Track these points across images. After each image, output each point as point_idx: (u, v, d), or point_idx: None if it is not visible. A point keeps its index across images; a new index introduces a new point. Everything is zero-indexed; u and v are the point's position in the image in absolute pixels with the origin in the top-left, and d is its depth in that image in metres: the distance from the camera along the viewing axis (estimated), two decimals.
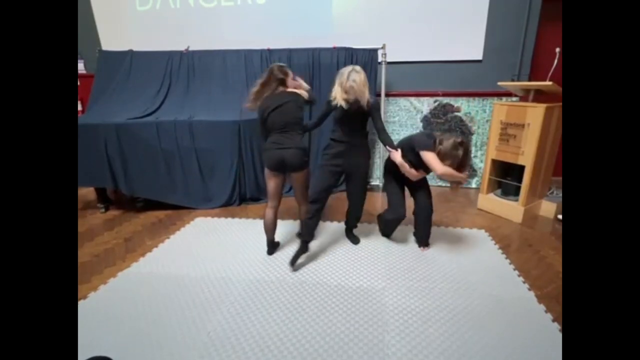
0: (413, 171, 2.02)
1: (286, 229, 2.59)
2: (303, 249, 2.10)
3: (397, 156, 2.04)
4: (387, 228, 2.39)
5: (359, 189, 2.20)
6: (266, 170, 2.10)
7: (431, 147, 1.93)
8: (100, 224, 2.81)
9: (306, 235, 2.11)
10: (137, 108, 3.17)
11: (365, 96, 1.94)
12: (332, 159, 2.09)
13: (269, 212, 2.16)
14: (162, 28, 3.75)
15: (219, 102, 3.27)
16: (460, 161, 1.90)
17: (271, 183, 2.10)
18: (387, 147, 2.09)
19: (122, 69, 3.44)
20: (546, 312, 1.69)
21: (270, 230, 2.22)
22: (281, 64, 2.15)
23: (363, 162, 2.14)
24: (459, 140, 1.90)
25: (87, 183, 2.93)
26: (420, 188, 2.19)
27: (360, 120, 2.06)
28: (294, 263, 2.05)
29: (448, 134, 1.96)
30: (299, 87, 2.16)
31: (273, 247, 2.29)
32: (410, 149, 2.02)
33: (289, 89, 2.10)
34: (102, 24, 3.90)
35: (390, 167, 2.18)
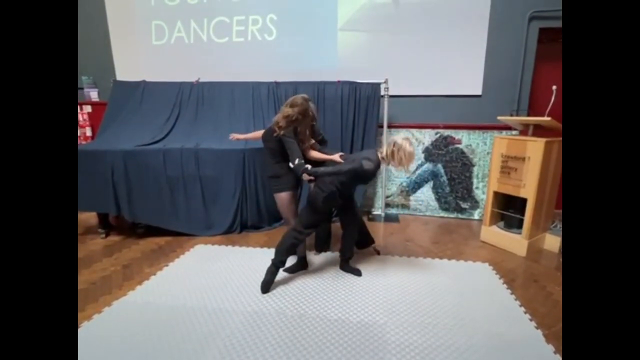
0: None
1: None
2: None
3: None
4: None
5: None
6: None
7: None
8: (100, 249, 2.80)
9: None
10: (146, 135, 3.25)
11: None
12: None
13: None
14: (175, 61, 3.94)
15: (225, 131, 3.34)
16: None
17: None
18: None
19: (134, 98, 3.57)
20: (555, 353, 1.61)
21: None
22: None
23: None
24: None
25: (91, 208, 2.95)
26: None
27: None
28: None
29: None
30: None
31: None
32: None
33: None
34: (118, 55, 4.11)
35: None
